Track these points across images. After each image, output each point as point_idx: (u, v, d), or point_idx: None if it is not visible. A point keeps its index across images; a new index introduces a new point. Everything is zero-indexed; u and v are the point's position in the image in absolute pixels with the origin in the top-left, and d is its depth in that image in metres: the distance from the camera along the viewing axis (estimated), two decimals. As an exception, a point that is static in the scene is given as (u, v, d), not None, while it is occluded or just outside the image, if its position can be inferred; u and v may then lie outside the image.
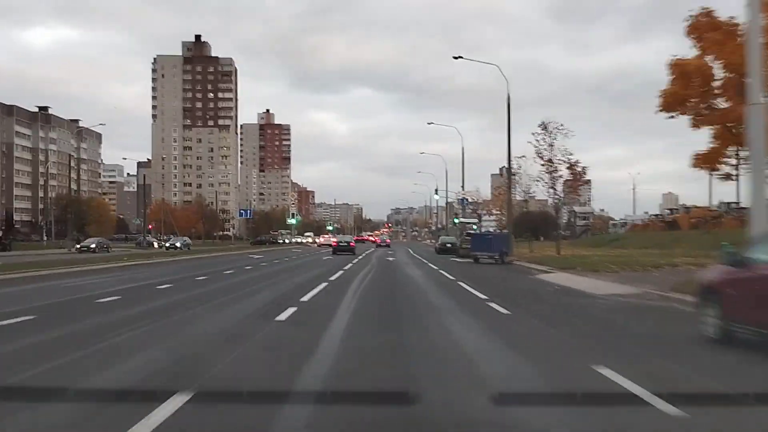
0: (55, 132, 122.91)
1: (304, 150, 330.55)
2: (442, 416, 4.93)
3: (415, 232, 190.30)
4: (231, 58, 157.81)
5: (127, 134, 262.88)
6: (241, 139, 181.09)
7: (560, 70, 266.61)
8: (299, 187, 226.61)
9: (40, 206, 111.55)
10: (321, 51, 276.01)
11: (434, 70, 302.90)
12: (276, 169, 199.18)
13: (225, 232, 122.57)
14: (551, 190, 38.76)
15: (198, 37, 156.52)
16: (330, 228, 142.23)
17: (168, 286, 17.13)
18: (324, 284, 17.72)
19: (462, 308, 12.49)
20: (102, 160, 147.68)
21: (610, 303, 13.59)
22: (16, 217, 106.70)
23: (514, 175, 41.26)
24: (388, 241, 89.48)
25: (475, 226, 56.85)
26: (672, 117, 17.35)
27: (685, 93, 16.76)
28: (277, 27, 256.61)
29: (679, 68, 16.58)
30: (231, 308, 12.26)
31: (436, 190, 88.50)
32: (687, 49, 17.91)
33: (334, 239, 68.13)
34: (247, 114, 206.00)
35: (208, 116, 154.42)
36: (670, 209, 78.23)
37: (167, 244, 64.64)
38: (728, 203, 66.72)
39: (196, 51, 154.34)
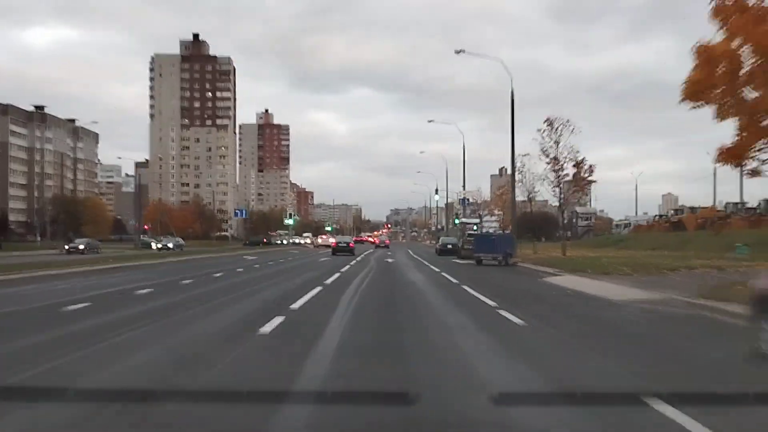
0: (51, 131, 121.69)
1: (303, 150, 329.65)
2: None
3: (415, 233, 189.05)
4: (229, 57, 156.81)
5: (126, 134, 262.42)
6: (239, 139, 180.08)
7: (560, 70, 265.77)
8: (298, 188, 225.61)
9: (36, 206, 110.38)
10: (321, 51, 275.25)
11: (434, 70, 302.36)
12: (275, 169, 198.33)
13: (223, 233, 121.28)
14: (556, 189, 37.55)
15: (196, 36, 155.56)
16: (328, 228, 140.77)
17: (147, 291, 15.68)
18: (318, 289, 16.33)
19: (471, 318, 11.06)
20: (99, 160, 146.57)
21: (634, 311, 12.16)
22: (11, 218, 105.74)
23: (519, 172, 39.94)
24: (388, 241, 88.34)
25: (475, 227, 55.56)
26: (696, 107, 15.92)
27: (710, 81, 15.31)
28: (277, 27, 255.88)
29: (704, 54, 15.17)
30: (209, 318, 10.81)
31: (437, 190, 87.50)
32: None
33: (333, 240, 67.00)
34: (248, 114, 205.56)
35: (206, 116, 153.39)
36: (675, 210, 76.87)
37: (159, 245, 63.12)
38: (735, 203, 65.54)
39: (194, 50, 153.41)
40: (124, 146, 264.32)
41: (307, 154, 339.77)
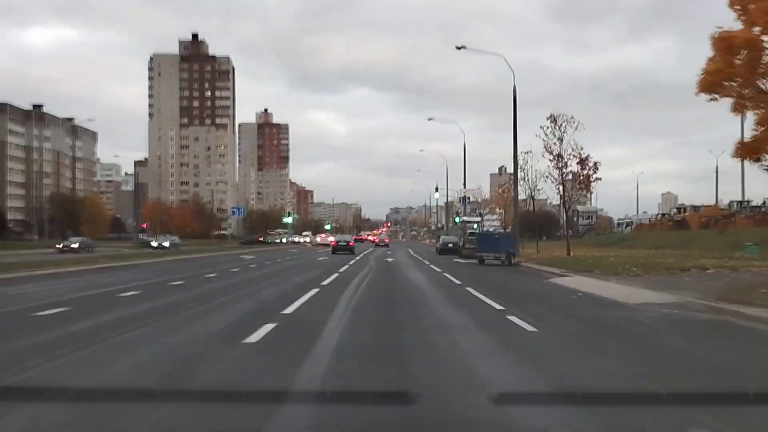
0: (49, 130, 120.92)
1: (303, 150, 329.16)
2: None
3: (414, 232, 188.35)
4: (228, 57, 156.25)
5: (127, 134, 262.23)
6: (239, 138, 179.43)
7: (560, 70, 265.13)
8: (298, 187, 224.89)
9: (35, 205, 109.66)
10: (321, 51, 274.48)
11: (434, 70, 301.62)
12: (274, 168, 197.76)
13: (222, 232, 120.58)
14: (560, 187, 36.75)
15: (195, 35, 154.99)
16: (328, 227, 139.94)
17: (133, 293, 14.82)
18: (314, 291, 15.48)
19: (477, 324, 10.21)
20: (98, 159, 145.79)
21: (653, 316, 11.28)
22: (9, 216, 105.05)
23: (522, 170, 39.10)
24: (387, 240, 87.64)
25: (476, 225, 54.82)
26: (713, 99, 15.06)
27: (729, 70, 14.45)
28: (277, 27, 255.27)
29: (723, 42, 14.33)
30: (193, 325, 9.90)
31: (437, 189, 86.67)
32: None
33: (333, 239, 66.30)
34: (248, 114, 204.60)
35: (205, 115, 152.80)
36: (678, 208, 76.03)
37: (155, 244, 62.15)
38: (739, 202, 64.69)
39: (193, 49, 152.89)
40: (124, 146, 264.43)
41: (307, 154, 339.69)
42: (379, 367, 6.70)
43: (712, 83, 14.91)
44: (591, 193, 43.90)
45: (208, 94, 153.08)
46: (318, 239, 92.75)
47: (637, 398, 5.23)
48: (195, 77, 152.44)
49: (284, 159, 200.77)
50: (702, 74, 14.97)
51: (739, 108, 15.21)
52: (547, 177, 37.34)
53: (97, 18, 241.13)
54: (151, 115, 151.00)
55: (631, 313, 11.79)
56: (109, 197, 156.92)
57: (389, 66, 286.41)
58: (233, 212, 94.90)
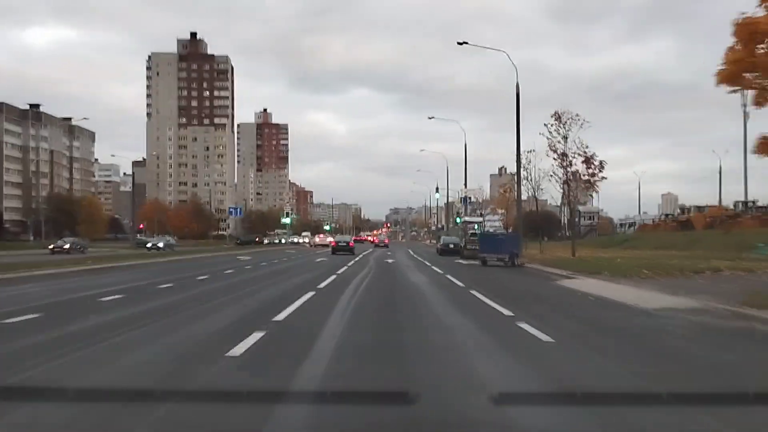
0: (46, 130, 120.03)
1: (303, 150, 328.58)
2: None
3: (414, 232, 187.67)
4: (227, 56, 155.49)
5: (126, 134, 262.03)
6: (238, 138, 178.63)
7: (560, 70, 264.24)
8: (297, 187, 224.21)
9: (32, 205, 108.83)
10: (320, 51, 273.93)
11: (434, 70, 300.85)
12: (273, 168, 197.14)
13: (221, 232, 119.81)
14: (565, 186, 35.90)
15: (193, 34, 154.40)
16: (327, 228, 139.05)
17: (117, 297, 13.89)
18: (310, 294, 14.56)
19: (485, 331, 9.29)
20: (96, 159, 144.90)
21: (677, 323, 10.35)
22: (6, 217, 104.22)
23: (524, 169, 38.26)
24: (387, 241, 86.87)
25: (477, 226, 53.90)
26: (735, 91, 14.18)
27: (752, 60, 13.51)
28: (277, 27, 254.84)
29: (746, 29, 13.36)
30: (175, 334, 8.96)
31: (437, 189, 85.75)
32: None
33: (331, 239, 65.51)
34: (247, 114, 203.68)
35: (203, 115, 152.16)
36: (682, 209, 75.19)
37: (149, 245, 61.18)
38: (745, 202, 63.82)
39: (192, 49, 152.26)
40: (123, 146, 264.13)
41: (306, 154, 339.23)
42: (381, 378, 5.81)
43: (732, 74, 13.96)
44: (597, 192, 43.04)
45: (207, 93, 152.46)
46: (317, 240, 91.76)
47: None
48: (193, 76, 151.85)
49: (283, 159, 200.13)
50: (722, 64, 14.04)
51: (760, 101, 14.26)
52: (551, 176, 36.52)
53: (96, 18, 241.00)
54: (149, 114, 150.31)
55: (655, 319, 10.87)
56: (108, 198, 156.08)
57: (389, 66, 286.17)
58: (230, 212, 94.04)
